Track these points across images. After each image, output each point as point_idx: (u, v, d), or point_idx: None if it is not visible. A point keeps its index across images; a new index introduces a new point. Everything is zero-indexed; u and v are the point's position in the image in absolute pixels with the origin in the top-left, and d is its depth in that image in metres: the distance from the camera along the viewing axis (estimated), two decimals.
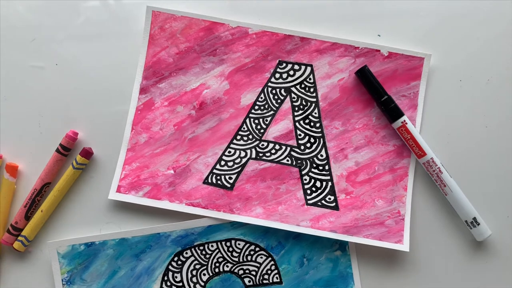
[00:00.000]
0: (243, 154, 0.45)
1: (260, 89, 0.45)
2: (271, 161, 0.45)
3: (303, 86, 0.45)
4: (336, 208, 0.44)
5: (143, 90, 0.45)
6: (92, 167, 0.45)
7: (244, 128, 0.45)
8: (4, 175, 0.44)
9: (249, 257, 0.43)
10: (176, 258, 0.43)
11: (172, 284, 0.43)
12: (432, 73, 0.45)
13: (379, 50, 0.45)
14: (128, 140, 0.45)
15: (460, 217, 0.43)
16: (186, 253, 0.43)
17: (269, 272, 0.43)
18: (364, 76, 0.44)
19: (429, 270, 0.43)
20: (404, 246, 0.42)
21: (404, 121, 0.43)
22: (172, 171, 0.44)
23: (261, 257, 0.43)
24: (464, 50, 0.45)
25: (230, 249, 0.43)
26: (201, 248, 0.43)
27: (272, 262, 0.43)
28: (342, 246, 0.43)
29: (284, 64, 0.45)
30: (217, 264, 0.43)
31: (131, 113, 0.45)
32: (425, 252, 0.43)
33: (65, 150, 0.44)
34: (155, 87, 0.45)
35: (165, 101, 0.45)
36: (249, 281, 0.43)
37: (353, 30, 0.46)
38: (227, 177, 0.44)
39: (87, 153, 0.44)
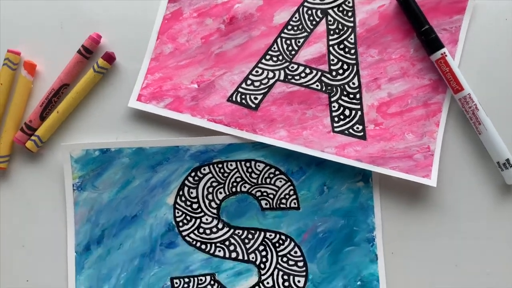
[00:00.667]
0: (271, 75, 0.43)
1: (295, 8, 0.43)
2: (300, 84, 0.43)
3: (341, 9, 0.43)
4: (363, 137, 0.42)
5: None
6: (113, 73, 0.43)
7: (274, 48, 0.43)
8: (21, 72, 0.42)
9: (268, 180, 0.42)
10: (193, 174, 0.42)
11: (186, 199, 0.42)
12: (477, 8, 0.43)
13: None
14: (153, 49, 0.43)
15: (491, 158, 0.41)
16: (204, 169, 0.42)
17: (287, 196, 0.42)
18: (406, 4, 0.42)
19: (454, 210, 0.42)
20: (431, 181, 0.41)
21: (444, 53, 0.41)
22: (196, 85, 0.43)
23: (280, 181, 0.42)
24: None
25: (250, 170, 0.42)
26: (220, 166, 0.42)
27: (291, 187, 0.42)
28: (366, 177, 0.42)
29: None
30: (235, 184, 0.42)
31: (157, 21, 0.43)
32: (452, 191, 0.42)
33: (87, 52, 0.42)
34: None
35: (194, 12, 0.43)
36: (266, 204, 0.42)
37: None
38: (252, 97, 0.42)
39: (110, 57, 0.42)
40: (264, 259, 0.42)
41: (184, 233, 0.42)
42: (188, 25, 0.43)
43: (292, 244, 0.42)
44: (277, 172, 0.42)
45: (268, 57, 0.43)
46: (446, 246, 0.42)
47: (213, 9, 0.43)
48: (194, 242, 0.42)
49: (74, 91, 0.42)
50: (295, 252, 0.42)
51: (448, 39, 0.43)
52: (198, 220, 0.42)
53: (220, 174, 0.42)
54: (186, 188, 0.42)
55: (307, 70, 0.43)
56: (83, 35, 0.43)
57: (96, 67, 0.42)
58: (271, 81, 0.43)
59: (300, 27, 0.43)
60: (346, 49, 0.43)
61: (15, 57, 0.43)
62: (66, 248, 0.42)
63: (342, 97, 0.43)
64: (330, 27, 0.43)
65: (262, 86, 0.43)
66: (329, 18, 0.43)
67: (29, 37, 0.44)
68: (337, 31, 0.43)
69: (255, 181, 0.42)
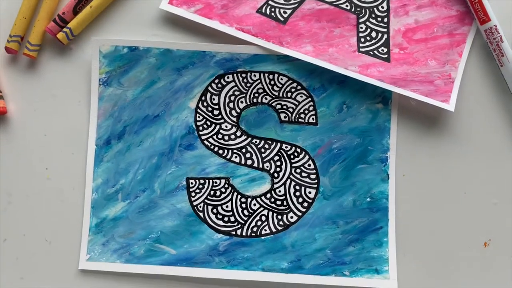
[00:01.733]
0: None
1: None
2: (330, 3, 0.44)
3: None
4: (387, 60, 0.43)
5: None
6: None
7: None
8: None
9: (289, 94, 0.43)
10: (217, 80, 0.43)
11: (208, 105, 0.43)
12: None
13: None
14: None
15: (510, 91, 0.42)
16: (228, 77, 0.43)
17: (306, 112, 0.43)
18: None
19: (469, 138, 0.43)
20: (449, 106, 0.42)
21: None
22: None
23: (301, 96, 0.43)
24: None
25: (272, 82, 0.43)
26: (244, 75, 0.43)
27: (312, 103, 0.43)
28: (385, 99, 0.43)
29: None
30: (256, 95, 0.43)
31: None
32: (468, 119, 0.43)
33: None
34: None
35: None
36: (285, 117, 0.43)
37: None
38: (281, 10, 0.43)
39: None
40: (278, 169, 0.43)
41: (203, 137, 0.43)
42: None
43: (307, 157, 0.43)
44: (299, 87, 0.43)
45: None
46: (457, 173, 0.43)
47: None
48: (212, 147, 0.43)
49: None
50: (309, 165, 0.43)
51: None
52: (218, 126, 0.43)
53: (243, 84, 0.43)
54: (209, 94, 0.43)
55: None
56: None
57: None
58: None
59: None
60: None
61: None
62: (87, 140, 0.43)
63: (370, 19, 0.43)
64: None
65: (293, 1, 0.44)
66: None
67: None
68: None
69: (276, 93, 0.43)
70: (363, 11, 0.44)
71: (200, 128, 0.43)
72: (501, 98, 0.43)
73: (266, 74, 0.43)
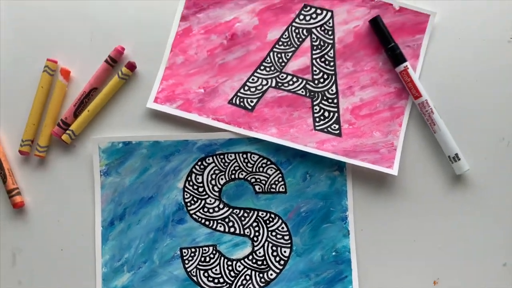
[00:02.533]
0: (264, 82, 0.53)
1: (285, 27, 0.53)
2: (288, 90, 0.53)
3: (323, 29, 0.53)
4: (339, 135, 0.52)
5: (183, 18, 0.53)
6: (134, 79, 0.53)
7: (267, 60, 0.53)
8: (58, 78, 0.52)
9: (261, 169, 0.52)
10: (199, 163, 0.52)
11: (194, 184, 0.52)
12: (435, 29, 0.53)
13: (391, 4, 0.53)
14: (167, 60, 0.53)
15: (444, 153, 0.51)
16: (209, 159, 0.52)
17: (276, 182, 0.52)
18: (376, 25, 0.52)
19: (413, 195, 0.52)
20: (393, 171, 0.51)
21: (406, 66, 0.51)
22: (202, 90, 0.53)
23: (271, 170, 0.52)
24: (465, 12, 0.53)
25: (246, 160, 0.52)
26: (222, 157, 0.52)
27: (280, 175, 0.52)
28: (341, 167, 0.52)
29: (309, 8, 0.53)
30: (233, 172, 0.52)
31: (171, 36, 0.53)
32: (411, 179, 0.52)
33: (112, 62, 0.52)
34: (194, 16, 0.53)
35: (202, 29, 0.53)
36: (259, 188, 0.52)
37: None
38: (249, 100, 0.52)
39: (132, 66, 0.52)
40: (257, 233, 0.52)
41: (191, 212, 0.52)
42: (196, 40, 0.53)
43: (280, 221, 0.52)
44: (268, 162, 0.52)
45: (262, 67, 0.53)
46: (406, 224, 0.52)
47: (217, 27, 0.54)
48: (199, 219, 0.52)
49: (102, 93, 0.52)
50: (282, 228, 0.52)
51: (411, 54, 0.53)
52: (203, 201, 0.52)
53: (222, 164, 0.52)
54: (193, 175, 0.52)
55: (294, 79, 0.53)
56: (109, 47, 0.53)
57: (120, 74, 0.52)
58: (265, 87, 0.53)
59: (289, 43, 0.53)
60: (327, 62, 0.53)
61: (53, 64, 0.52)
62: (94, 223, 0.52)
63: (323, 102, 0.53)
64: (313, 43, 0.53)
65: (257, 92, 0.53)
66: (313, 36, 0.53)
67: (64, 48, 0.53)
68: (319, 47, 0.53)
69: (250, 169, 0.52)
70: (316, 95, 0.53)
71: (188, 204, 0.52)
72: (437, 159, 0.52)
73: (240, 154, 0.52)
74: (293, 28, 0.53)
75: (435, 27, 0.53)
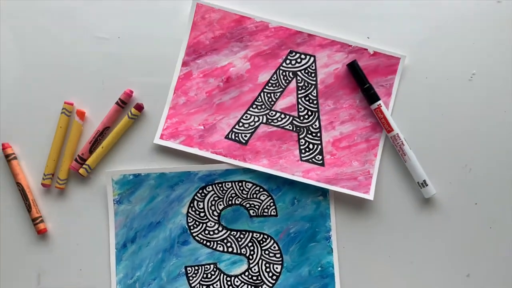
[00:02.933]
0: (256, 119, 0.61)
1: (273, 70, 0.61)
2: (277, 126, 0.61)
3: (306, 71, 0.61)
4: (322, 164, 0.60)
5: (184, 64, 0.61)
6: (142, 118, 0.61)
7: (259, 100, 0.61)
8: (75, 118, 0.60)
9: (254, 195, 0.60)
10: (200, 191, 0.60)
11: (196, 209, 0.60)
12: (405, 70, 0.61)
13: (366, 49, 0.61)
14: (171, 100, 0.61)
15: (414, 179, 0.60)
16: (209, 188, 0.60)
17: (268, 207, 0.60)
18: (353, 68, 0.60)
19: (387, 216, 0.60)
20: (369, 196, 0.59)
21: (380, 104, 0.59)
22: (202, 127, 0.60)
23: (263, 196, 0.60)
24: (431, 55, 0.61)
25: (241, 188, 0.60)
26: (220, 185, 0.60)
27: (272, 200, 0.60)
28: (324, 193, 0.60)
29: (294, 53, 0.61)
30: (231, 198, 0.60)
31: (174, 80, 0.61)
32: (385, 203, 0.60)
33: (122, 103, 0.60)
34: (194, 62, 0.61)
35: (201, 73, 0.61)
36: (253, 213, 0.60)
37: (347, 30, 0.61)
38: (243, 135, 0.60)
39: (139, 107, 0.60)
40: (252, 252, 0.59)
41: (194, 234, 0.60)
42: (196, 83, 0.61)
43: (272, 241, 0.60)
44: (261, 189, 0.60)
45: (254, 106, 0.61)
46: (382, 242, 0.60)
47: (214, 71, 0.61)
48: (201, 241, 0.60)
49: (114, 131, 0.60)
50: (274, 247, 0.60)
51: (384, 93, 0.61)
52: (204, 225, 0.60)
53: (220, 191, 0.60)
54: (195, 202, 0.60)
55: (282, 116, 0.61)
56: (119, 90, 0.60)
57: (130, 114, 0.60)
58: (257, 123, 0.61)
59: (277, 84, 0.61)
60: (310, 100, 0.61)
61: (70, 106, 0.60)
62: (109, 245, 0.59)
63: (307, 135, 0.61)
64: (299, 84, 0.61)
65: (250, 127, 0.61)
66: (298, 78, 0.61)
67: (79, 92, 0.61)
68: (303, 87, 0.61)
69: (245, 196, 0.60)
70: (301, 129, 0.61)
71: (191, 227, 0.60)
72: (408, 185, 0.60)
73: (236, 183, 0.60)
74: (281, 71, 0.61)
75: (405, 68, 0.61)
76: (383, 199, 0.59)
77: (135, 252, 0.58)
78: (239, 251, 0.59)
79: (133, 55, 0.60)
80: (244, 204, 0.59)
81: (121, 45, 0.60)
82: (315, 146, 0.60)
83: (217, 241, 0.59)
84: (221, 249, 0.59)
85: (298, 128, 0.60)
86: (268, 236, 0.59)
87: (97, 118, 0.60)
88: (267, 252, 0.59)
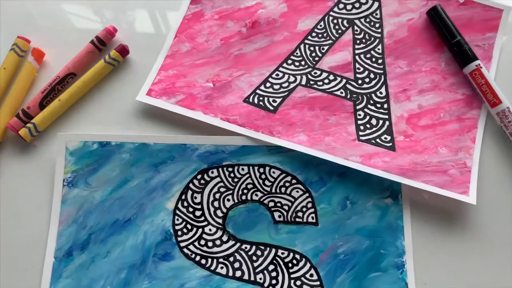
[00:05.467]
0: (292, 79, 0.41)
1: (320, 16, 0.43)
2: (323, 90, 0.41)
3: (368, 20, 0.43)
4: (392, 148, 0.39)
5: (194, 1, 0.43)
6: (124, 68, 0.42)
7: (297, 53, 0.42)
8: (28, 58, 0.41)
9: (283, 189, 0.38)
10: (199, 176, 0.38)
11: (189, 205, 0.38)
12: (511, 27, 0.42)
13: None
14: (169, 47, 0.42)
15: None
16: (212, 172, 0.38)
17: (304, 209, 0.38)
18: (437, 15, 0.42)
19: (495, 233, 0.37)
20: (470, 198, 0.37)
21: (479, 64, 0.40)
22: (211, 84, 0.41)
23: (297, 191, 0.38)
24: None
25: (263, 176, 0.38)
26: (230, 169, 0.39)
27: (309, 199, 0.38)
28: (395, 193, 0.38)
29: None
30: (245, 191, 0.38)
31: (177, 21, 0.43)
32: (492, 211, 0.38)
33: (100, 44, 0.42)
34: None
35: (216, 14, 0.43)
36: (279, 216, 0.37)
37: None
38: (271, 99, 0.40)
39: (123, 50, 0.41)
40: (273, 281, 0.36)
41: (182, 244, 0.37)
42: (208, 26, 0.43)
43: (308, 265, 0.37)
44: (294, 181, 0.38)
45: (290, 61, 0.42)
46: (488, 275, 0.36)
47: (236, 12, 0.43)
48: (193, 256, 0.37)
49: (80, 80, 0.41)
50: (311, 275, 0.36)
51: (482, 55, 0.42)
52: (200, 230, 0.37)
53: (230, 179, 0.38)
54: (190, 192, 0.38)
55: (331, 77, 0.41)
56: (98, 30, 0.42)
57: (107, 58, 0.41)
58: (292, 85, 0.41)
59: (325, 34, 0.43)
60: (373, 59, 0.42)
61: (24, 44, 0.42)
62: (45, 252, 0.37)
63: (369, 106, 0.40)
64: (356, 36, 0.42)
65: (282, 90, 0.41)
66: (356, 28, 0.43)
67: (41, 29, 0.43)
68: (363, 40, 0.42)
69: (268, 189, 0.38)
70: (360, 97, 0.41)
71: (179, 233, 0.37)
72: None
73: (256, 168, 0.39)
74: (331, 18, 0.43)
75: (511, 24, 0.42)
76: (488, 205, 0.38)
77: (84, 265, 0.36)
78: (253, 278, 0.36)
79: None
80: (266, 201, 0.37)
81: None
82: (381, 121, 0.39)
83: (218, 258, 0.36)
84: (224, 271, 0.36)
85: (354, 96, 0.40)
86: (301, 256, 0.36)
87: (60, 64, 0.41)
88: (298, 282, 0.36)
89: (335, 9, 0.44)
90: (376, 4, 0.44)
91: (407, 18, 0.43)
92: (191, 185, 0.39)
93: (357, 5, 0.44)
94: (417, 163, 0.38)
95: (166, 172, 0.39)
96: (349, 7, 0.44)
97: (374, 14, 0.43)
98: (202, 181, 0.39)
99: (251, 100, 0.41)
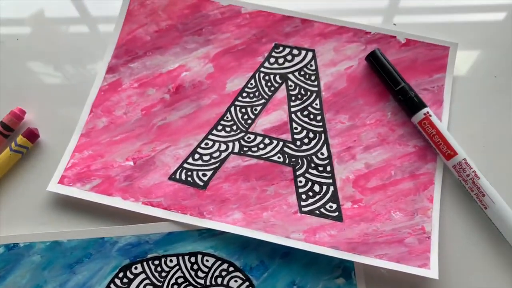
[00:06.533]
0: (223, 147, 0.37)
1: (250, 74, 0.39)
2: (258, 157, 0.36)
3: (302, 73, 0.39)
4: (339, 218, 0.34)
5: (110, 70, 0.40)
6: (36, 154, 0.37)
7: (227, 118, 0.38)
8: None
9: (219, 280, 0.33)
10: (121, 274, 0.33)
11: None
12: (460, 65, 0.39)
13: (395, 37, 0.39)
14: (84, 124, 0.38)
15: (504, 237, 0.33)
16: (136, 268, 0.33)
17: None
18: (376, 61, 0.38)
19: None
20: (431, 272, 0.32)
21: (427, 112, 0.36)
22: (131, 163, 0.36)
23: (236, 281, 0.33)
24: (502, 41, 0.39)
25: (195, 266, 0.33)
26: (156, 262, 0.34)
27: None
28: (347, 271, 0.33)
29: (281, 48, 0.40)
30: (176, 287, 0.33)
31: (92, 93, 0.39)
32: (458, 283, 0.32)
33: (6, 130, 0.37)
34: (125, 67, 0.40)
35: (135, 82, 0.39)
36: None
37: (363, 12, 0.40)
38: (200, 173, 0.36)
39: (32, 134, 0.37)
40: None
41: None
42: (127, 96, 0.39)
43: None
44: (231, 269, 0.33)
45: (220, 127, 0.37)
46: None
47: (157, 78, 0.39)
48: None
49: None
50: None
51: (431, 100, 0.38)
52: None
53: (157, 274, 0.33)
54: None
55: (266, 141, 0.37)
56: (5, 110, 0.38)
57: (13, 146, 0.36)
58: (224, 154, 0.36)
59: (256, 94, 0.38)
60: (311, 116, 0.37)
61: None
62: None
63: (310, 170, 0.36)
64: (291, 92, 0.38)
65: (213, 160, 0.36)
66: (290, 83, 0.39)
67: None
68: (299, 96, 0.38)
69: (202, 281, 0.33)
70: (299, 161, 0.36)
71: None
72: (494, 247, 0.33)
73: (186, 257, 0.34)
74: (262, 75, 0.39)
75: (459, 62, 0.38)
76: (453, 277, 0.32)
77: None
78: None
79: (33, 60, 0.40)
80: None
81: (19, 49, 0.40)
82: (325, 187, 0.35)
83: None
84: None
85: (293, 160, 0.35)
86: None
87: None
88: None
89: (266, 64, 0.40)
90: (310, 55, 0.40)
91: (345, 66, 0.39)
92: (112, 285, 0.33)
93: (289, 57, 0.40)
94: (369, 234, 0.34)
95: (83, 273, 0.34)
96: (280, 60, 0.40)
97: (308, 66, 0.39)
98: (125, 280, 0.34)
99: (177, 176, 0.36)
